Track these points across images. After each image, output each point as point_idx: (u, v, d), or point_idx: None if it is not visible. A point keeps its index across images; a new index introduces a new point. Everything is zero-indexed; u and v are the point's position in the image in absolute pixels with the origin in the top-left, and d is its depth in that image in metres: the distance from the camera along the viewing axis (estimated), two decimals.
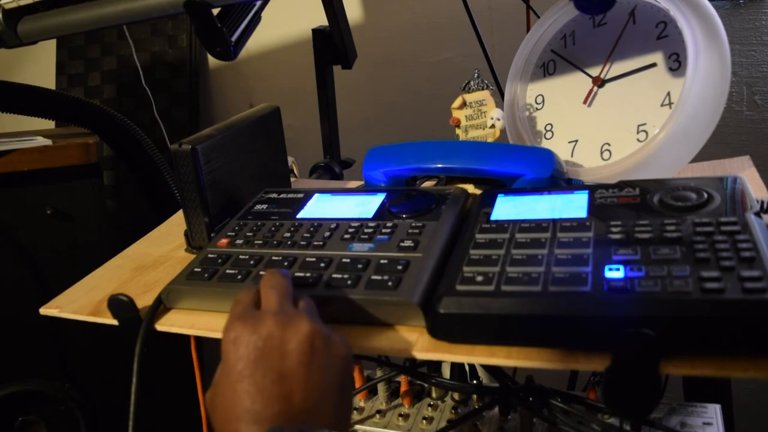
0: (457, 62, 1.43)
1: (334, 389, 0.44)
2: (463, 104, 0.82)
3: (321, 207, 0.68)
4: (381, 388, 0.73)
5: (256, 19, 0.88)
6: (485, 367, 0.73)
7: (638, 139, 0.72)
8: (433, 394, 0.73)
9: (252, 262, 0.58)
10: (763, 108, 1.20)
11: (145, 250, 0.76)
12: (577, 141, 0.78)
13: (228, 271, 0.58)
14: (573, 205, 0.57)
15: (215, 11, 0.80)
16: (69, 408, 1.22)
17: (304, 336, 0.44)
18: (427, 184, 0.81)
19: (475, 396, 0.71)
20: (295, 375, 0.42)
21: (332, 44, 1.02)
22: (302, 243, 0.60)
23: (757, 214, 0.49)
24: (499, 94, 0.89)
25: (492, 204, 0.60)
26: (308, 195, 0.71)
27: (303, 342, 0.43)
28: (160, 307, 0.59)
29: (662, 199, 0.53)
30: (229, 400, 0.42)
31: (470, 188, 0.71)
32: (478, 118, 0.81)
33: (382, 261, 0.54)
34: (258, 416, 0.41)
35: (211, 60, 1.68)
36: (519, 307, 0.45)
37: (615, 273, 0.45)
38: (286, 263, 0.57)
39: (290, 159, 0.93)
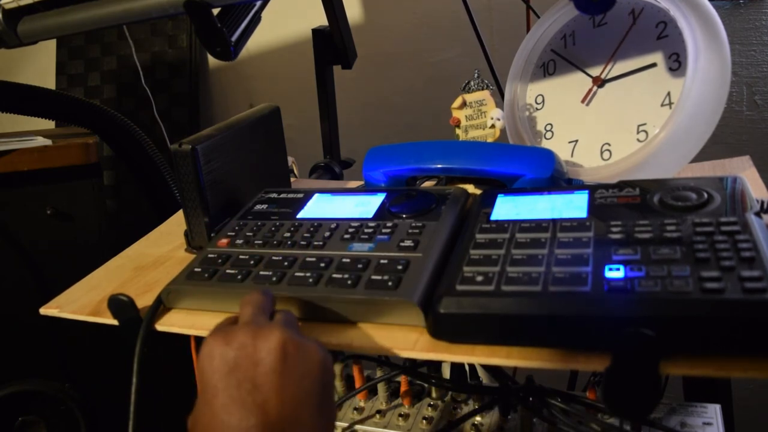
0: (457, 62, 1.43)
1: (312, 396, 0.43)
2: (463, 104, 0.82)
3: (321, 207, 0.68)
4: (381, 388, 0.73)
5: (256, 19, 0.88)
6: (485, 367, 0.73)
7: (638, 139, 0.72)
8: (433, 394, 0.73)
9: (252, 262, 0.58)
10: (763, 108, 1.20)
11: (145, 250, 0.76)
12: (577, 141, 0.78)
13: (228, 271, 0.58)
14: (573, 205, 0.57)
15: (215, 11, 0.80)
16: (69, 408, 1.22)
17: (276, 344, 0.43)
18: (427, 184, 0.81)
19: (475, 396, 0.71)
20: (268, 383, 0.42)
21: (332, 44, 1.02)
22: (302, 243, 0.60)
23: (757, 214, 0.49)
24: (499, 94, 0.89)
25: (492, 204, 0.60)
26: (308, 195, 0.71)
27: (274, 350, 0.43)
28: (160, 307, 0.59)
29: (662, 199, 0.53)
30: (208, 418, 0.42)
31: (470, 188, 0.71)
32: (478, 118, 0.81)
33: (382, 261, 0.54)
34: (235, 430, 0.41)
35: (211, 60, 1.68)
36: (519, 306, 0.45)
37: (615, 273, 0.45)
38: (286, 263, 0.57)
39: (290, 159, 0.93)
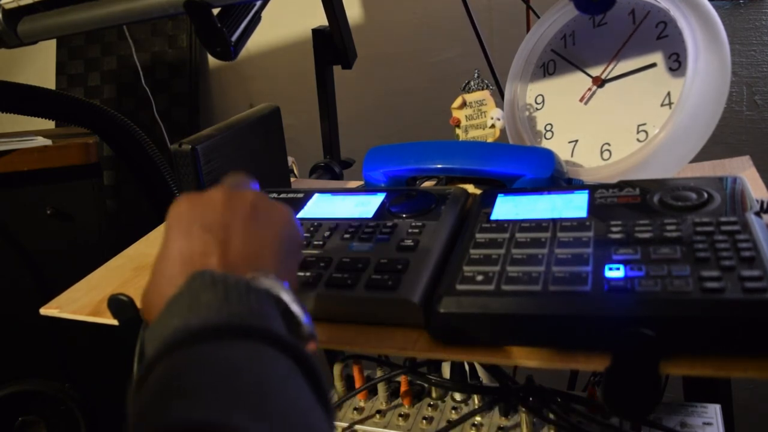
0: (457, 62, 1.43)
1: (276, 244, 0.41)
2: (463, 104, 0.82)
3: (321, 207, 0.68)
4: (381, 388, 0.73)
5: (256, 19, 0.87)
6: (485, 367, 0.73)
7: (638, 139, 0.72)
8: (433, 394, 0.73)
9: None
10: (763, 108, 1.20)
11: (145, 250, 0.76)
12: (577, 141, 0.78)
13: None
14: (573, 205, 0.57)
15: (215, 11, 0.80)
16: (69, 408, 1.22)
17: (247, 198, 0.42)
18: (427, 184, 0.81)
19: (475, 396, 0.71)
20: (234, 226, 0.40)
21: (332, 44, 1.02)
22: (302, 242, 0.60)
23: (757, 214, 0.49)
24: (499, 94, 0.89)
25: (492, 204, 0.60)
26: (308, 195, 0.71)
27: (245, 202, 0.42)
28: None
29: (662, 199, 0.53)
30: (157, 268, 0.40)
31: (470, 188, 0.71)
32: (478, 118, 0.81)
33: (381, 261, 0.54)
34: (185, 261, 0.38)
35: (211, 60, 1.68)
36: (519, 306, 0.45)
37: (615, 272, 0.45)
38: None
39: (290, 159, 0.93)
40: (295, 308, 0.37)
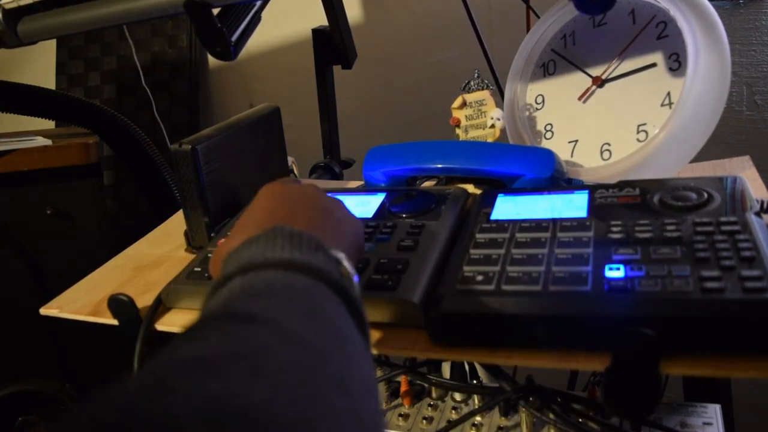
0: (457, 62, 1.43)
1: (351, 242, 0.46)
2: (463, 104, 0.82)
3: None
4: (381, 388, 0.73)
5: (256, 19, 0.88)
6: (485, 367, 0.73)
7: (638, 139, 0.72)
8: (433, 394, 0.73)
9: None
10: (763, 108, 1.20)
11: (145, 250, 0.76)
12: (577, 141, 0.78)
13: None
14: (573, 205, 0.57)
15: (215, 11, 0.80)
16: (69, 408, 1.21)
17: (335, 201, 0.48)
18: (427, 184, 0.81)
19: (475, 396, 0.71)
20: (321, 211, 0.45)
21: (332, 44, 1.02)
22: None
23: (757, 214, 0.49)
24: (499, 94, 0.89)
25: (492, 204, 0.60)
26: None
27: (335, 204, 0.48)
28: (160, 307, 0.59)
29: (662, 199, 0.53)
30: (240, 223, 0.45)
31: (470, 188, 0.71)
32: (478, 118, 0.81)
33: (381, 261, 0.54)
34: (272, 218, 0.44)
35: (211, 60, 1.68)
36: (519, 306, 0.45)
37: (615, 272, 0.45)
38: None
39: (290, 159, 0.93)
40: (355, 280, 0.40)
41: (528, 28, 0.94)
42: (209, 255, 0.61)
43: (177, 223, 0.84)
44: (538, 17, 0.82)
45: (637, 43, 0.73)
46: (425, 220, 0.60)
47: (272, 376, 0.24)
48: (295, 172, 0.99)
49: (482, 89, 0.81)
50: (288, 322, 0.29)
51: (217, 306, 0.33)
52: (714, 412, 0.63)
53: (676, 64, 0.70)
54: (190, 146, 0.66)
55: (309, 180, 1.03)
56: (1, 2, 0.86)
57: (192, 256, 0.68)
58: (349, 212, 0.49)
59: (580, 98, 0.78)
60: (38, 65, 1.76)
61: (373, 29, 1.47)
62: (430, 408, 0.72)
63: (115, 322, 0.59)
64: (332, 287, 0.36)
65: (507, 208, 0.59)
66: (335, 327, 0.33)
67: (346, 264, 0.40)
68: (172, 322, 0.58)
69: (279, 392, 0.24)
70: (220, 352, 0.25)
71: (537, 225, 0.54)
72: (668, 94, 0.70)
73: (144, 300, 0.60)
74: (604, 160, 0.75)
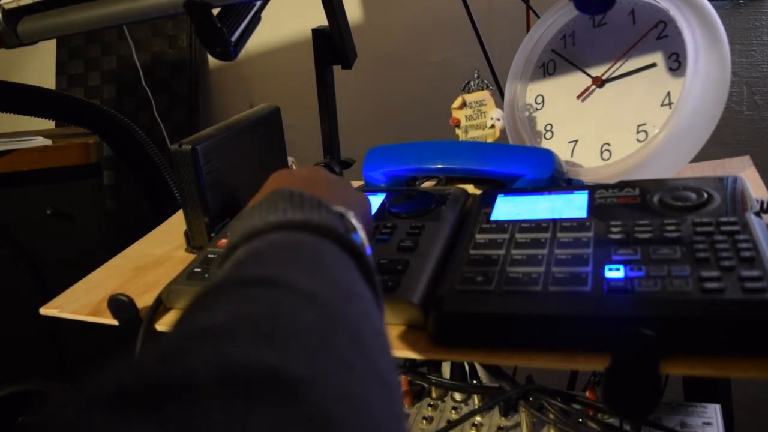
0: (457, 62, 1.43)
1: (358, 210, 0.46)
2: (463, 104, 0.82)
3: None
4: None
5: (256, 19, 0.87)
6: (485, 367, 0.73)
7: (638, 139, 0.72)
8: (433, 394, 0.73)
9: None
10: (763, 108, 1.20)
11: (145, 250, 0.76)
12: (577, 141, 0.78)
13: None
14: (573, 205, 0.57)
15: (215, 11, 0.80)
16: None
17: (343, 182, 0.49)
18: (427, 184, 0.81)
19: (475, 396, 0.71)
20: (327, 189, 0.45)
21: (332, 44, 1.02)
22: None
23: (757, 214, 0.49)
24: (499, 94, 0.89)
25: (492, 204, 0.60)
26: None
27: (343, 184, 0.49)
28: (160, 307, 0.59)
29: (662, 199, 0.53)
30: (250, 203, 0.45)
31: (470, 188, 0.71)
32: (478, 118, 0.81)
33: (381, 261, 0.54)
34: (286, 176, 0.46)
35: (211, 60, 1.68)
36: (519, 307, 0.45)
37: (615, 273, 0.45)
38: None
39: (290, 159, 0.93)
40: (361, 233, 0.40)
41: (528, 28, 0.94)
42: (209, 255, 0.61)
43: (177, 223, 0.84)
44: (538, 17, 0.82)
45: (637, 43, 0.73)
46: (425, 220, 0.60)
47: (288, 337, 0.24)
48: None
49: (482, 89, 0.81)
50: (298, 281, 0.29)
51: (225, 274, 0.33)
52: (714, 412, 0.63)
53: (676, 64, 0.70)
54: (190, 146, 0.66)
55: None
56: (1, 2, 0.86)
57: (192, 256, 0.68)
58: (356, 191, 0.50)
59: (579, 96, 0.78)
60: (38, 65, 1.76)
61: (373, 29, 1.47)
62: (430, 408, 0.72)
63: (115, 322, 0.59)
64: (337, 242, 0.36)
65: (507, 208, 0.59)
66: (345, 283, 0.32)
67: (351, 219, 0.40)
68: (172, 323, 0.58)
69: (296, 352, 0.24)
70: (233, 317, 0.25)
71: (537, 225, 0.54)
72: (668, 94, 0.70)
73: (144, 300, 0.60)
74: (604, 160, 0.75)
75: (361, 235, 0.40)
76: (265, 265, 0.32)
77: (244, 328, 0.24)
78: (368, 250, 0.40)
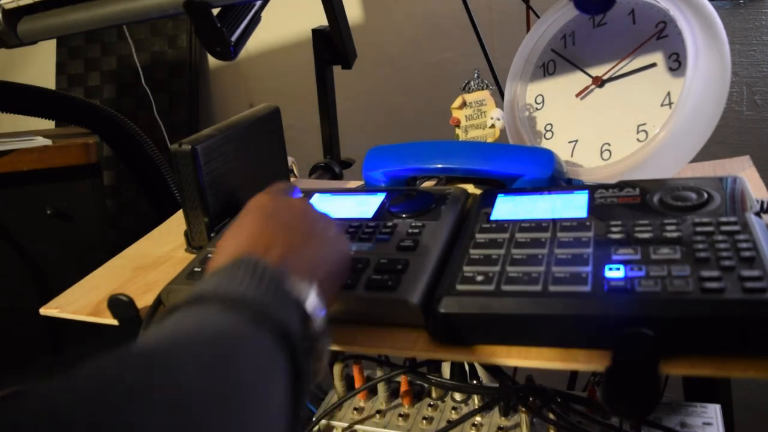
0: (457, 62, 1.43)
1: (331, 266, 0.45)
2: (463, 104, 0.82)
3: (321, 207, 0.67)
4: (381, 388, 0.73)
5: (256, 19, 0.88)
6: (485, 367, 0.73)
7: (638, 139, 0.72)
8: (433, 394, 0.73)
9: None
10: (763, 108, 1.20)
11: (145, 250, 0.76)
12: (577, 141, 0.78)
13: None
14: (573, 205, 0.57)
15: (215, 11, 0.80)
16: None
17: (321, 218, 0.48)
18: (427, 184, 0.81)
19: (475, 396, 0.71)
20: (303, 234, 0.45)
21: (332, 44, 1.02)
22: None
23: (757, 214, 0.49)
24: (499, 94, 0.89)
25: (492, 204, 0.60)
26: (308, 195, 0.71)
27: (320, 221, 0.47)
28: (160, 307, 0.59)
29: (662, 199, 0.53)
30: (223, 243, 0.45)
31: (470, 188, 0.71)
32: (478, 118, 0.81)
33: (381, 261, 0.54)
34: (251, 244, 0.43)
35: (211, 60, 1.68)
36: (519, 306, 0.45)
37: (615, 273, 0.45)
38: None
39: (290, 159, 0.93)
40: (317, 324, 0.39)
41: (528, 28, 0.94)
42: (209, 255, 0.61)
43: (177, 223, 0.84)
44: (538, 17, 0.82)
45: (637, 43, 0.73)
46: (425, 220, 0.60)
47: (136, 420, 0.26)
48: (295, 172, 0.99)
49: (482, 89, 0.81)
50: (182, 374, 0.30)
51: (150, 338, 0.34)
52: (714, 412, 0.63)
53: (676, 64, 0.70)
54: (190, 146, 0.66)
55: (309, 180, 1.03)
56: (1, 2, 0.86)
57: (192, 256, 0.68)
58: (337, 233, 0.48)
59: (578, 95, 0.78)
60: (38, 65, 1.76)
61: (373, 29, 1.47)
62: (430, 408, 0.72)
63: (115, 322, 0.59)
64: (277, 334, 0.35)
65: (507, 208, 0.59)
66: (239, 385, 0.31)
67: (312, 300, 0.40)
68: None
69: None
70: (90, 378, 0.28)
71: (537, 225, 0.54)
72: (668, 94, 0.70)
73: (144, 300, 0.61)
74: (604, 160, 0.75)
75: (317, 319, 0.39)
76: (169, 344, 0.33)
77: (89, 390, 0.27)
78: (321, 312, 0.40)
